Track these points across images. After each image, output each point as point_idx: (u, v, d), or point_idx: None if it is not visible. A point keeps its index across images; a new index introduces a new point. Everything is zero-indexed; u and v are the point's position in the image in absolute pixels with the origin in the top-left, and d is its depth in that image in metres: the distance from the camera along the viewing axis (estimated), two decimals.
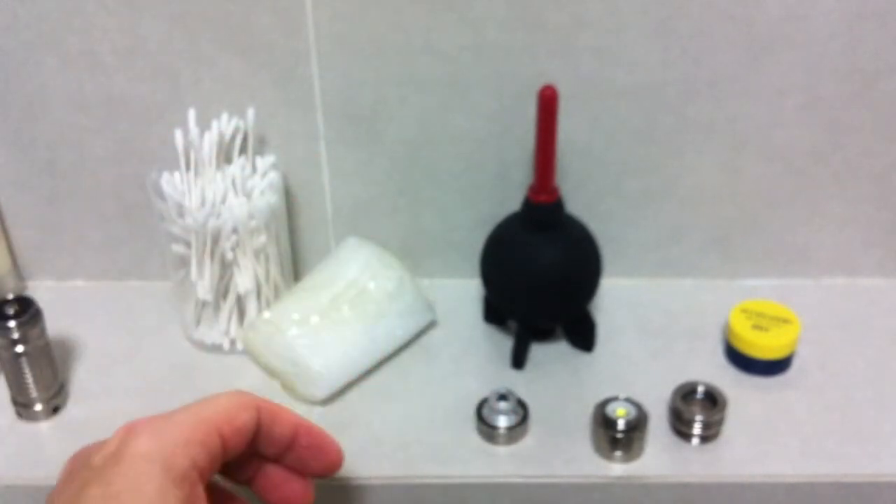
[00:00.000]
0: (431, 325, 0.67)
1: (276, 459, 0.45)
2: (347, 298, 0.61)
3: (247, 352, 0.63)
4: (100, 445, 0.41)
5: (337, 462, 0.46)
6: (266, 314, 0.61)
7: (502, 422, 0.57)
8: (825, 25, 0.60)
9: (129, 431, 0.40)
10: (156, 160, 0.64)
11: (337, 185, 0.68)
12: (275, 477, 0.45)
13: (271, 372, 0.62)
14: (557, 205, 0.59)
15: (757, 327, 0.61)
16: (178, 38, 0.61)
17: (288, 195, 0.67)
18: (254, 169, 0.63)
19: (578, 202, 0.66)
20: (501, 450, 0.57)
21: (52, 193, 0.68)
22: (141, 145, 0.66)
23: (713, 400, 0.57)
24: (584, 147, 0.65)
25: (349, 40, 0.61)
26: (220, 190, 0.61)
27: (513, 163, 0.66)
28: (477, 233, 0.65)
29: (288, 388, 0.61)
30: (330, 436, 0.46)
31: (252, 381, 0.62)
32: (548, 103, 0.55)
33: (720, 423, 0.56)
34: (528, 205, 0.59)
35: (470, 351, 0.65)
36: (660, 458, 0.56)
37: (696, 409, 0.57)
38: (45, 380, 0.58)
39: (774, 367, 0.62)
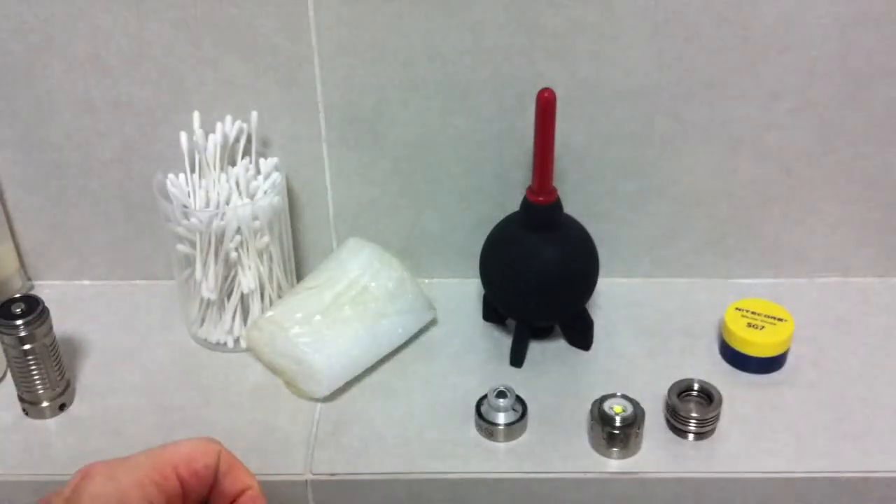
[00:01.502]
0: (432, 323, 0.67)
1: None
2: (349, 298, 0.62)
3: (250, 350, 0.64)
4: (59, 490, 0.41)
5: None
6: (269, 313, 0.62)
7: (501, 419, 0.57)
8: (818, 29, 0.60)
9: (85, 476, 0.40)
10: (161, 162, 0.65)
11: (339, 186, 0.68)
12: None
13: (274, 370, 0.62)
14: (556, 205, 0.60)
15: (751, 326, 0.62)
16: (182, 42, 0.62)
17: (290, 196, 0.68)
18: (257, 170, 0.64)
19: (576, 203, 0.67)
20: (500, 446, 0.57)
21: (58, 194, 0.69)
22: (146, 147, 0.66)
23: (708, 397, 0.58)
24: (582, 149, 0.65)
25: (351, 44, 0.62)
26: (224, 191, 0.61)
27: (512, 164, 0.66)
28: (476, 233, 0.66)
29: (290, 385, 0.61)
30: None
31: (255, 379, 0.63)
32: (546, 106, 0.55)
33: (715, 419, 0.57)
34: (527, 205, 0.60)
35: (469, 349, 0.66)
36: (656, 454, 0.56)
37: (692, 406, 0.58)
38: (51, 378, 0.59)
39: (768, 364, 0.62)
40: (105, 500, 0.39)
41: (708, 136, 0.65)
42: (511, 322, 0.67)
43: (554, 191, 0.59)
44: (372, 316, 0.62)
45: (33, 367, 0.58)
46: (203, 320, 0.65)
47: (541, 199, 0.59)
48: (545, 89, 0.55)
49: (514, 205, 0.62)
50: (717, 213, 0.68)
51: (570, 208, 0.63)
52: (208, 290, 0.62)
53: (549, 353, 0.65)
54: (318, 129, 0.66)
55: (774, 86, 0.63)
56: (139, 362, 0.65)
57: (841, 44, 0.61)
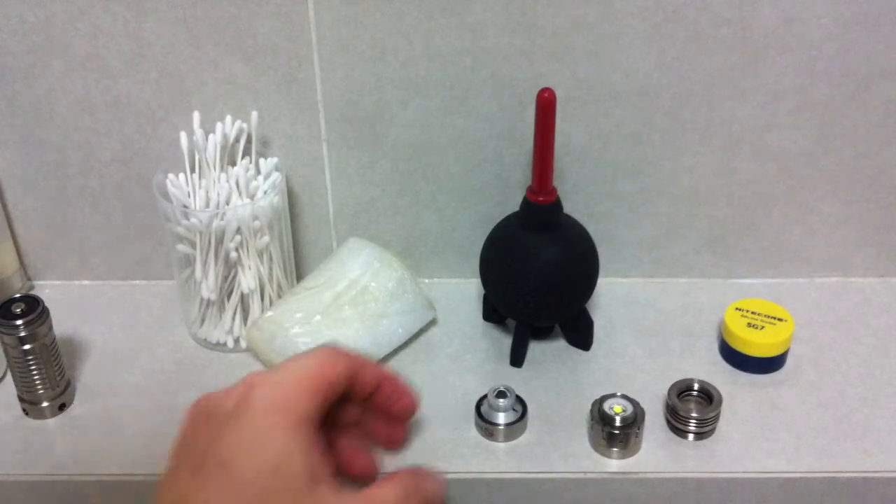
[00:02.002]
0: (432, 323, 0.67)
1: (364, 406, 0.49)
2: (349, 298, 0.62)
3: (250, 349, 0.64)
4: (221, 397, 0.44)
5: (412, 406, 0.49)
6: (269, 313, 0.62)
7: (501, 418, 0.57)
8: (818, 29, 0.60)
9: (250, 386, 0.43)
10: (161, 162, 0.65)
11: (339, 186, 0.68)
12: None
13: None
14: (556, 205, 0.60)
15: (751, 326, 0.62)
16: (182, 42, 0.62)
17: (290, 196, 0.68)
18: (257, 170, 0.64)
19: (576, 203, 0.67)
20: (500, 446, 0.58)
21: (58, 194, 0.69)
22: (146, 147, 0.66)
23: (708, 397, 0.58)
24: (582, 149, 0.66)
25: (351, 44, 0.62)
26: (224, 191, 0.61)
27: (512, 164, 0.66)
28: (476, 233, 0.66)
29: None
30: (408, 385, 0.49)
31: None
32: (546, 106, 0.55)
33: (715, 419, 0.57)
34: (527, 205, 0.60)
35: (469, 349, 0.66)
36: (656, 454, 0.56)
37: (692, 406, 0.58)
38: (51, 378, 0.59)
39: (768, 364, 0.62)
40: (274, 412, 0.42)
41: (708, 136, 0.65)
42: (511, 322, 0.67)
43: (554, 191, 0.59)
44: (372, 316, 0.62)
45: (33, 367, 0.58)
46: (203, 320, 0.65)
47: (541, 199, 0.59)
48: (545, 89, 0.55)
49: (514, 205, 0.62)
50: (717, 213, 0.68)
51: (570, 208, 0.63)
52: (208, 290, 0.62)
53: (549, 353, 0.65)
54: (318, 129, 0.66)
55: (774, 86, 0.63)
56: (139, 362, 0.65)
57: (841, 44, 0.61)
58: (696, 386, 0.59)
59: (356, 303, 0.62)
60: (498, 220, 0.64)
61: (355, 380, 0.47)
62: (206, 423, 0.43)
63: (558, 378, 0.63)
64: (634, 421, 0.55)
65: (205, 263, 0.62)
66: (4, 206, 0.69)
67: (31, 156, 0.67)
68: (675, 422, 0.57)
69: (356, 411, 0.48)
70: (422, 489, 0.46)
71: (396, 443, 0.49)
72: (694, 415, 0.56)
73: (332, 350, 0.47)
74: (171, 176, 0.62)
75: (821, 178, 0.67)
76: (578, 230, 0.62)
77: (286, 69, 0.63)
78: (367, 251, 0.65)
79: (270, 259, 0.64)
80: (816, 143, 0.65)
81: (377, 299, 0.63)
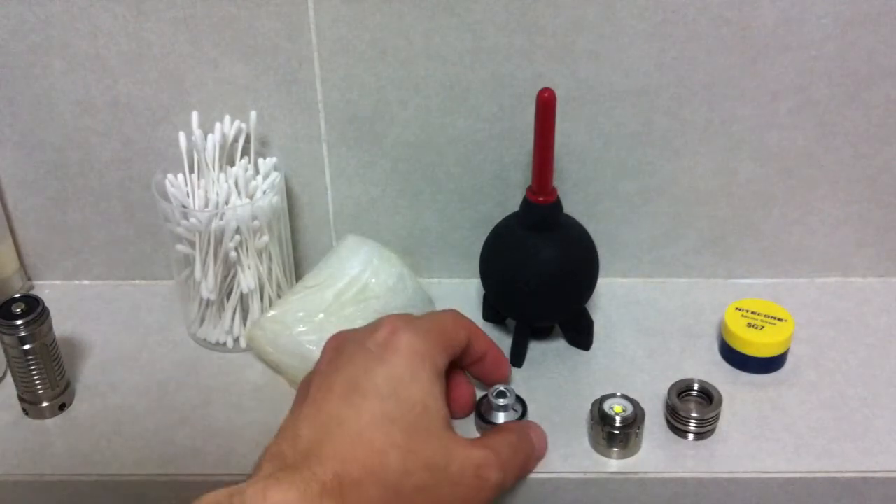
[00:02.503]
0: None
1: (465, 367, 0.56)
2: (351, 295, 0.62)
3: (252, 349, 0.64)
4: (366, 333, 0.49)
5: (507, 376, 0.58)
6: (271, 312, 0.62)
7: (501, 418, 0.57)
8: (818, 29, 0.60)
9: (395, 329, 0.48)
10: (161, 162, 0.65)
11: (338, 186, 0.68)
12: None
13: (277, 368, 0.62)
14: (556, 205, 0.60)
15: (751, 326, 0.62)
16: (182, 42, 0.62)
17: (290, 196, 0.68)
18: (256, 170, 0.64)
19: (576, 203, 0.67)
20: None
21: (58, 194, 0.69)
22: (146, 147, 0.66)
23: (708, 397, 0.58)
24: (582, 149, 0.66)
25: (351, 44, 0.62)
26: (223, 191, 0.61)
27: (512, 164, 0.66)
28: (476, 233, 0.66)
29: (294, 383, 0.61)
30: (506, 357, 0.58)
31: (256, 379, 0.63)
32: (546, 105, 0.55)
33: (715, 419, 0.57)
34: (527, 205, 0.60)
35: None
36: (656, 454, 0.56)
37: (692, 406, 0.58)
38: (51, 378, 0.59)
39: (769, 364, 0.62)
40: (421, 355, 0.48)
41: (708, 136, 0.65)
42: (511, 322, 0.67)
43: (554, 191, 0.59)
44: (374, 312, 0.62)
45: (33, 367, 0.58)
46: (202, 320, 0.65)
47: (541, 199, 0.59)
48: (545, 89, 0.55)
49: (514, 205, 0.62)
50: (717, 213, 0.68)
51: (570, 208, 0.63)
52: (208, 290, 0.62)
53: (549, 352, 0.65)
54: (318, 129, 0.66)
55: (774, 86, 0.63)
56: (139, 362, 0.65)
57: (841, 44, 0.61)
58: (696, 386, 0.59)
59: (358, 300, 0.62)
60: (498, 220, 0.64)
61: (470, 345, 0.53)
62: (357, 355, 0.48)
63: (558, 378, 0.63)
64: (634, 421, 0.55)
65: (204, 263, 0.62)
66: (4, 206, 0.69)
67: (31, 156, 0.67)
68: (675, 422, 0.57)
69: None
70: (528, 441, 0.53)
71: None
72: (694, 415, 0.56)
73: (457, 314, 0.53)
74: (170, 176, 0.62)
75: (821, 178, 0.67)
76: (578, 230, 0.62)
77: (286, 69, 0.63)
78: (366, 248, 0.65)
79: (270, 259, 0.64)
80: (816, 143, 0.65)
81: (378, 296, 0.63)
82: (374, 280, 0.63)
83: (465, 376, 0.57)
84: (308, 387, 0.50)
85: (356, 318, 0.61)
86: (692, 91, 0.63)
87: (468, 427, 0.58)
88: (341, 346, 0.50)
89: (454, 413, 0.56)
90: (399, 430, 0.45)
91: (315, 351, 0.59)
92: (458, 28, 0.61)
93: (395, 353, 0.47)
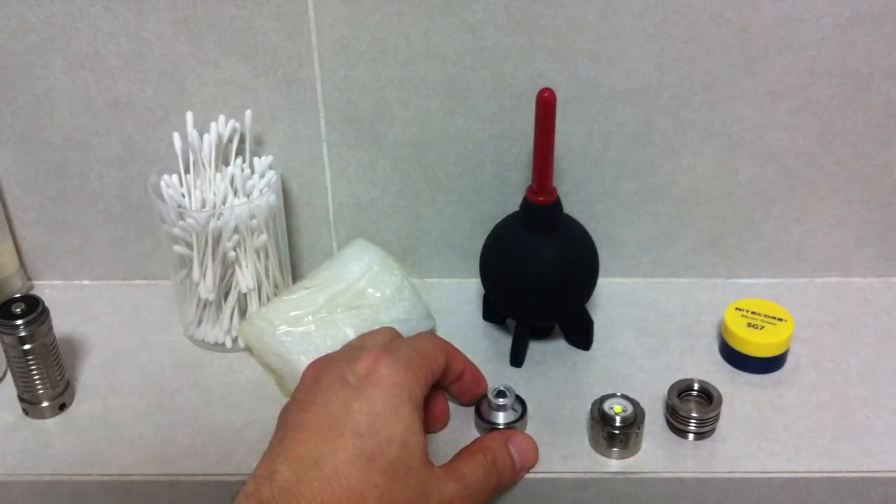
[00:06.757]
0: (431, 331, 0.67)
1: (443, 388, 0.56)
2: (344, 300, 0.62)
3: (246, 345, 0.64)
4: (346, 362, 0.48)
5: (485, 391, 0.58)
6: (262, 309, 0.62)
7: (501, 418, 0.57)
8: (818, 29, 0.60)
9: (376, 360, 0.48)
10: (160, 162, 0.65)
11: (338, 186, 0.68)
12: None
13: (265, 367, 0.62)
14: (556, 205, 0.60)
15: (751, 326, 0.62)
16: (182, 42, 0.62)
17: (290, 196, 0.68)
18: (252, 170, 0.64)
19: (576, 203, 0.67)
20: None
21: (58, 194, 0.69)
22: (146, 147, 0.66)
23: (708, 397, 0.58)
24: (582, 149, 0.66)
25: (351, 44, 0.62)
26: (220, 191, 0.61)
27: (512, 164, 0.66)
28: (476, 233, 0.66)
29: (280, 384, 0.61)
30: (482, 374, 0.58)
31: (255, 379, 0.63)
32: (546, 106, 0.55)
33: (715, 419, 0.57)
34: (527, 205, 0.60)
35: (469, 349, 0.65)
36: (656, 453, 0.56)
37: (692, 406, 0.58)
38: (51, 378, 0.59)
39: (769, 364, 0.62)
40: (400, 388, 0.47)
41: (708, 136, 0.65)
42: (511, 322, 0.67)
43: (554, 191, 0.59)
44: (365, 321, 0.61)
45: (33, 367, 0.58)
46: (200, 321, 0.65)
47: (541, 199, 0.59)
48: (545, 89, 0.55)
49: (514, 205, 0.62)
50: (717, 213, 0.68)
51: (570, 208, 0.63)
52: (206, 290, 0.62)
53: (549, 352, 0.65)
54: (318, 129, 0.66)
55: (774, 86, 0.63)
56: (139, 362, 0.65)
57: (841, 44, 0.61)
58: (696, 386, 0.59)
59: (350, 306, 0.62)
60: (498, 220, 0.64)
61: (448, 365, 0.53)
62: (335, 387, 0.47)
63: (558, 378, 0.63)
64: (634, 421, 0.55)
65: (202, 264, 0.62)
66: (4, 206, 0.69)
67: (31, 156, 0.67)
68: (675, 422, 0.57)
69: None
70: (503, 459, 0.53)
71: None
72: (694, 415, 0.56)
73: (434, 339, 0.53)
74: (165, 177, 0.62)
75: (821, 178, 0.67)
76: (578, 230, 0.62)
77: (286, 69, 0.63)
78: (369, 255, 0.64)
79: (267, 258, 0.64)
80: (816, 143, 0.65)
81: (372, 305, 0.62)
82: (370, 288, 0.63)
83: (441, 392, 0.57)
84: (287, 418, 0.49)
85: (345, 325, 0.61)
86: (692, 91, 0.63)
87: (468, 427, 0.58)
88: (320, 374, 0.49)
89: (428, 427, 0.56)
90: (377, 469, 0.44)
91: (296, 352, 0.59)
92: (458, 28, 0.61)
93: (374, 386, 0.46)
